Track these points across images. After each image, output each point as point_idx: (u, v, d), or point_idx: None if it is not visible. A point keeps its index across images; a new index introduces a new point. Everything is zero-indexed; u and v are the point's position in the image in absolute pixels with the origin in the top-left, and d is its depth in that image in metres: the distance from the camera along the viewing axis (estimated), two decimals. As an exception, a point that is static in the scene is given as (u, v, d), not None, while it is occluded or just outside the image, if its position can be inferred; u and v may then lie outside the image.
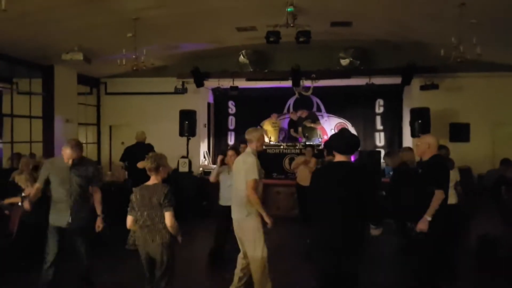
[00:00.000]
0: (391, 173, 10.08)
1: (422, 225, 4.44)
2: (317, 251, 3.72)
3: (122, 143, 12.21)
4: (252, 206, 4.63)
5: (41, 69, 10.18)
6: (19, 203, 5.91)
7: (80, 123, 11.69)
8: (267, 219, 4.64)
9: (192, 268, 6.16)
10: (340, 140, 3.76)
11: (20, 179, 5.98)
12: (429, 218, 4.42)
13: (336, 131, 12.78)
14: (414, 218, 4.62)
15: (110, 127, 12.80)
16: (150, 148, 8.09)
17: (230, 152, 6.53)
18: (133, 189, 4.30)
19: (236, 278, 4.96)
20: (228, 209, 5.09)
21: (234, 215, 4.83)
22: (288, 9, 6.90)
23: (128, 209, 4.24)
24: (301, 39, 7.74)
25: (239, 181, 4.75)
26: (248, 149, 4.89)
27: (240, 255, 4.91)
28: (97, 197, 5.07)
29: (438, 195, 4.45)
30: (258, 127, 12.90)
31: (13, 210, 6.09)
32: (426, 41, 9.37)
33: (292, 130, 12.47)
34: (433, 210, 4.43)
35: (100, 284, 5.31)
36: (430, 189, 4.51)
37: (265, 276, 4.72)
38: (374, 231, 3.85)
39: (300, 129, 12.24)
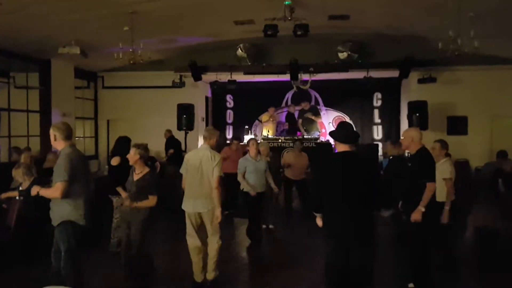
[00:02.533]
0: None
1: (417, 216, 4.52)
2: (328, 242, 3.76)
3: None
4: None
5: (38, 63, 10.15)
6: (17, 197, 5.90)
7: (77, 117, 11.68)
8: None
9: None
10: (341, 130, 3.90)
11: (17, 173, 5.95)
12: (423, 209, 4.51)
13: (334, 124, 12.83)
14: (407, 210, 4.70)
15: (108, 121, 12.78)
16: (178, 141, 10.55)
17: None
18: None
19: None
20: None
21: (201, 206, 4.83)
22: (286, 2, 6.89)
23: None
24: (298, 33, 7.71)
25: (209, 175, 4.79)
26: (207, 145, 4.93)
27: (198, 243, 4.93)
28: None
29: (430, 187, 4.55)
30: (257, 121, 12.94)
31: (10, 204, 6.08)
32: (424, 35, 9.36)
33: (288, 124, 12.47)
34: (426, 201, 4.52)
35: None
36: (422, 182, 4.59)
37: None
38: (384, 213, 3.93)
39: (300, 121, 12.23)
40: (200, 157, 4.84)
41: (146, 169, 4.97)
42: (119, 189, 5.97)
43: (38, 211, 5.06)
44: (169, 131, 10.87)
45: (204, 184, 4.79)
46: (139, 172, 4.98)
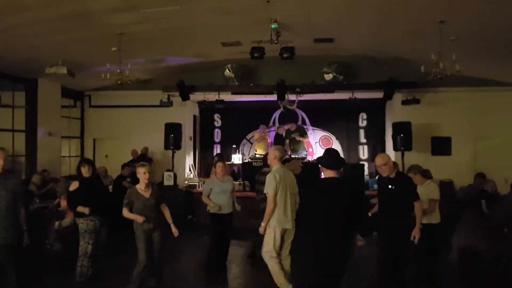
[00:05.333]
0: (374, 185, 10.21)
1: (417, 233, 4.79)
2: (306, 264, 3.82)
3: (106, 156, 12.16)
4: None
5: (25, 82, 10.11)
6: None
7: (63, 136, 11.59)
8: None
9: (180, 281, 6.14)
10: (329, 157, 4.03)
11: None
12: (421, 226, 4.83)
13: (320, 143, 12.93)
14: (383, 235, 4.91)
15: (94, 140, 12.70)
16: None
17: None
18: None
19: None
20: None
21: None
22: (272, 26, 6.99)
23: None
24: (285, 55, 7.80)
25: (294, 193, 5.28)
26: (281, 166, 5.43)
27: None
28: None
29: (419, 205, 4.87)
30: (244, 139, 13.00)
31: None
32: (407, 57, 9.57)
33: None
34: (420, 219, 4.85)
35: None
36: (411, 202, 4.85)
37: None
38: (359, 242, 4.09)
39: (287, 141, 12.30)
40: (287, 176, 5.30)
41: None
42: (80, 208, 5.72)
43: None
44: (135, 151, 11.26)
45: (292, 202, 5.19)
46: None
